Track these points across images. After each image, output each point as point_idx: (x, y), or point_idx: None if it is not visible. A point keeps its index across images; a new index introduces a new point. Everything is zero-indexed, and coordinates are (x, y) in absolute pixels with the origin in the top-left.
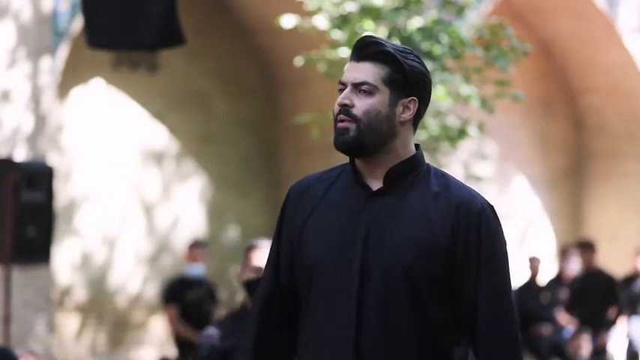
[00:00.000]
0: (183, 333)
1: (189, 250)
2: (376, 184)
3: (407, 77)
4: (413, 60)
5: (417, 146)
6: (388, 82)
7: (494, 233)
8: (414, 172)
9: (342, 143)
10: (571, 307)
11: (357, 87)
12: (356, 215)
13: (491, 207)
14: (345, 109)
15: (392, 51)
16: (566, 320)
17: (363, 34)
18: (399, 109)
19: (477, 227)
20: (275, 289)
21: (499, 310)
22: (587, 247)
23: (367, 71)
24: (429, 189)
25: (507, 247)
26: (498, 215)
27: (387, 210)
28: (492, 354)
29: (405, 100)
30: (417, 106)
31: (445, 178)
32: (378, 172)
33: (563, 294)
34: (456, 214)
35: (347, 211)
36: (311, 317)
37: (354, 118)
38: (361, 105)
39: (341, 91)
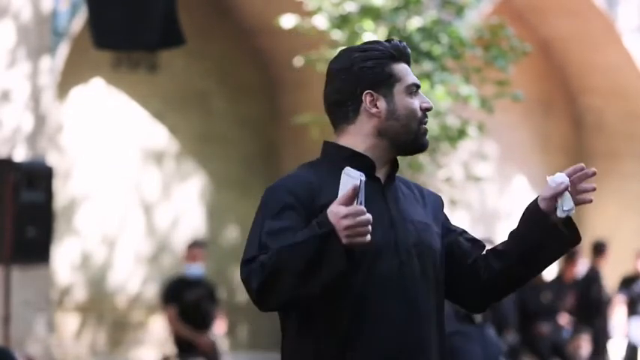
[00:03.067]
0: (182, 333)
1: (188, 250)
2: (381, 177)
3: None
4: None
5: None
6: None
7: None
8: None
9: (427, 145)
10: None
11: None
12: (382, 204)
13: None
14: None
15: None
16: (565, 321)
17: (365, 35)
18: None
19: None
20: None
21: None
22: (598, 250)
23: None
24: (397, 179)
25: None
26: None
27: (399, 198)
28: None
29: None
30: None
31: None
32: (382, 166)
33: (570, 298)
34: (427, 197)
35: (373, 200)
36: (358, 303)
37: None
38: None
39: (413, 93)
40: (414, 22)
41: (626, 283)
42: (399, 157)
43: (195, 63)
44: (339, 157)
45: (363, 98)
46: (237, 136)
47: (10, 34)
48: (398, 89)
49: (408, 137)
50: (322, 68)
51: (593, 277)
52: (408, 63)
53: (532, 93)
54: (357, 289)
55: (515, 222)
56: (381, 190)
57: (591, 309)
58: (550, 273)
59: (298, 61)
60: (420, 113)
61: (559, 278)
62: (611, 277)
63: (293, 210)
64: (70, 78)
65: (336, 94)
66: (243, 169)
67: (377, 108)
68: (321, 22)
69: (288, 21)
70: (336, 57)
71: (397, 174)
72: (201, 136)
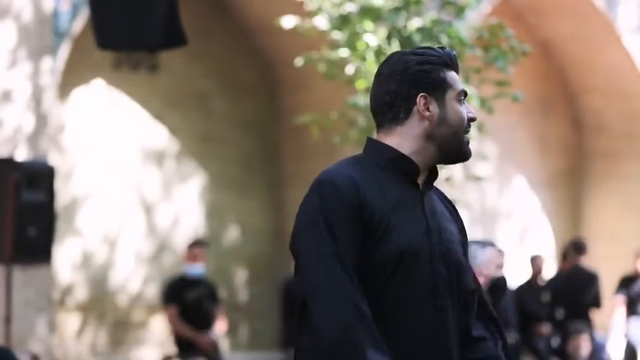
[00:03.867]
0: (183, 333)
1: (188, 250)
2: (419, 181)
3: None
4: None
5: None
6: None
7: None
8: None
9: (470, 155)
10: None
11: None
12: (420, 210)
13: None
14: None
15: None
16: (547, 330)
17: (365, 35)
18: None
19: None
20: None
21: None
22: (577, 248)
23: None
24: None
25: None
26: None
27: (435, 207)
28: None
29: None
30: None
31: None
32: (422, 174)
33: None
34: (453, 207)
35: (411, 206)
36: (389, 307)
37: None
38: None
39: (462, 101)
40: (414, 23)
41: (626, 283)
42: None
43: (195, 63)
44: (383, 157)
45: (417, 100)
46: (237, 136)
47: (12, 35)
48: (450, 95)
49: (455, 145)
50: (322, 68)
51: (633, 277)
52: (457, 72)
53: (532, 93)
54: (392, 290)
55: (514, 222)
56: (420, 197)
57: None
58: (550, 273)
59: (298, 62)
60: (465, 121)
61: (557, 277)
62: (611, 277)
63: (346, 231)
64: (71, 78)
65: (388, 95)
66: (243, 169)
67: (429, 112)
68: (321, 22)
69: (288, 21)
70: (386, 60)
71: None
72: (201, 136)
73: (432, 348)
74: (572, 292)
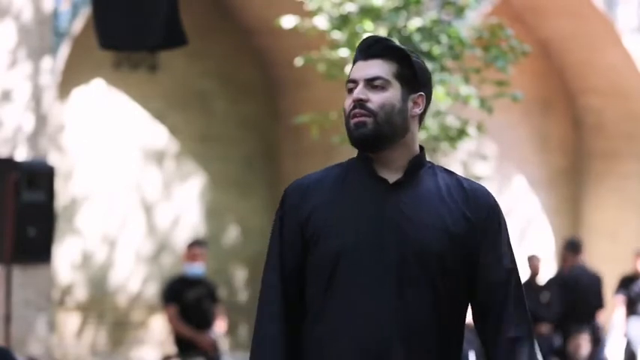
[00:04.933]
0: (183, 332)
1: (188, 250)
2: (390, 177)
3: (416, 73)
4: (417, 58)
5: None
6: (399, 77)
7: (505, 226)
8: (425, 166)
9: (360, 137)
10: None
11: (370, 82)
12: (379, 206)
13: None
14: (361, 103)
15: (401, 47)
16: (547, 330)
17: (365, 35)
18: (410, 104)
19: (497, 219)
20: (283, 288)
21: (518, 302)
22: (573, 248)
23: (378, 67)
24: (440, 181)
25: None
26: None
27: (409, 200)
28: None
29: (415, 96)
30: (424, 101)
31: (452, 173)
32: (391, 165)
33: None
34: (474, 203)
35: (367, 203)
36: (334, 306)
37: (370, 112)
38: (377, 99)
39: (351, 90)
40: (414, 23)
41: (626, 283)
42: None
43: (195, 63)
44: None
45: None
46: (237, 136)
47: (11, 35)
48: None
49: (348, 133)
50: (322, 68)
51: (633, 277)
52: (367, 57)
53: (531, 93)
54: (336, 283)
55: (514, 221)
56: (384, 191)
57: (636, 303)
58: (549, 272)
59: (298, 61)
60: (349, 105)
61: (558, 277)
62: (610, 276)
63: (279, 234)
64: (71, 78)
65: None
66: (243, 169)
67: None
68: (321, 22)
69: (288, 21)
70: None
71: (451, 172)
72: (201, 136)
73: (364, 341)
74: (577, 294)
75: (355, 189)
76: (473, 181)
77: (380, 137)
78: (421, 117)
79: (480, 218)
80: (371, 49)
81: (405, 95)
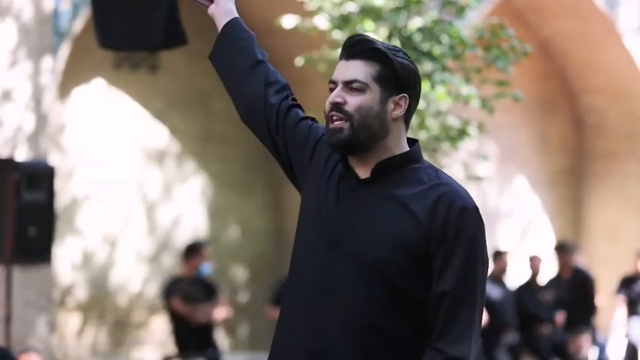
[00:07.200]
0: (190, 315)
1: (201, 251)
2: (363, 175)
3: (397, 74)
4: (402, 57)
5: (414, 142)
6: (378, 79)
7: (471, 235)
8: (403, 167)
9: (336, 143)
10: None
11: (348, 85)
12: (342, 200)
13: (476, 209)
14: (338, 106)
15: (381, 48)
16: (561, 319)
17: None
18: (390, 106)
19: (456, 227)
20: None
21: (456, 324)
22: (562, 249)
23: (357, 69)
24: (416, 184)
25: (485, 255)
26: (483, 220)
27: (368, 200)
28: None
29: (396, 97)
30: (407, 102)
31: (438, 177)
32: (368, 166)
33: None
34: (434, 209)
35: (334, 194)
36: (292, 276)
37: (346, 115)
38: (353, 102)
39: (332, 89)
40: (415, 23)
41: (626, 283)
42: None
43: (196, 63)
44: None
45: None
46: (238, 136)
47: (12, 34)
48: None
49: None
50: (323, 68)
51: (633, 277)
52: (348, 57)
53: (532, 93)
54: (289, 283)
55: (515, 222)
56: (351, 188)
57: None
58: (550, 273)
59: (299, 61)
60: (328, 107)
61: (558, 277)
62: (611, 277)
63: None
64: (71, 78)
65: None
66: (244, 169)
67: None
68: (321, 22)
69: (288, 21)
70: None
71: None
72: (202, 136)
73: (303, 335)
74: (575, 296)
75: (335, 178)
76: (451, 187)
77: (355, 142)
78: (407, 118)
79: (436, 224)
80: (352, 49)
81: (385, 97)
